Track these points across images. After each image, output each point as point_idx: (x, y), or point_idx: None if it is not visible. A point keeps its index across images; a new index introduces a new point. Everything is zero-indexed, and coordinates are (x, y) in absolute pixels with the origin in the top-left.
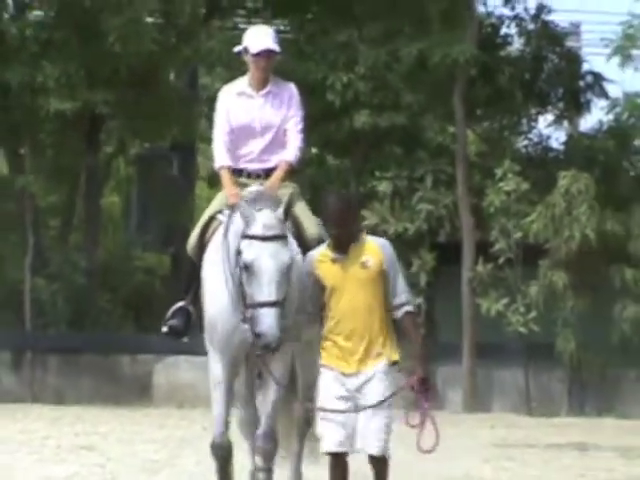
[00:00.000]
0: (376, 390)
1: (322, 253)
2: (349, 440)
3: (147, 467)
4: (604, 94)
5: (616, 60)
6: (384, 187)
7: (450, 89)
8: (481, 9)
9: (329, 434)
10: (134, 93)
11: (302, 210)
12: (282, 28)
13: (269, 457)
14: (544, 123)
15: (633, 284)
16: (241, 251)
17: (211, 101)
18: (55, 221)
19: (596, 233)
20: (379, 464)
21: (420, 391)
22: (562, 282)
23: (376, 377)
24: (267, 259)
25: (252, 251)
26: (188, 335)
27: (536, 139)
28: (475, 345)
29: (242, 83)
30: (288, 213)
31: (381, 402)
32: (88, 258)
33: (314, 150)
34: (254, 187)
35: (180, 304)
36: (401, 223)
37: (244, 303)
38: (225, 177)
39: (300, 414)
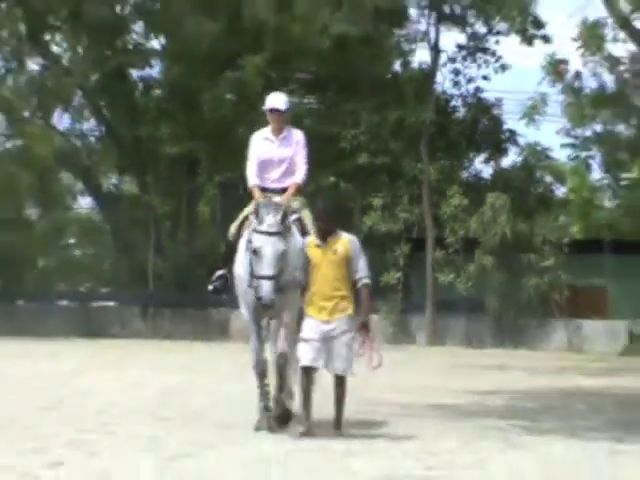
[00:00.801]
0: (340, 330)
1: (311, 240)
2: (317, 360)
3: (227, 379)
4: (516, 144)
5: (523, 122)
6: (377, 202)
7: (419, 140)
8: (439, 89)
9: (304, 354)
10: (218, 143)
11: (306, 215)
12: (311, 101)
13: (285, 361)
14: (478, 162)
15: (534, 264)
16: (252, 241)
17: None
18: (168, 223)
19: (511, 232)
20: (340, 380)
21: (363, 333)
22: (490, 263)
23: (341, 324)
24: (268, 247)
25: (259, 241)
26: (226, 293)
27: (473, 172)
28: (434, 303)
29: (266, 130)
30: (285, 217)
31: (342, 333)
32: (189, 247)
33: (332, 178)
34: (275, 199)
35: (221, 272)
36: (388, 225)
37: (251, 275)
38: (255, 192)
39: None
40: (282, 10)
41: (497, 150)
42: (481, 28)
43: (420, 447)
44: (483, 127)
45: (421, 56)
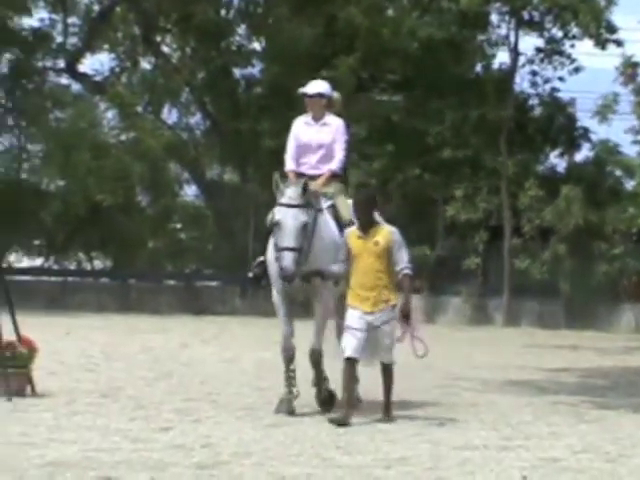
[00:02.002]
0: (382, 320)
1: (353, 231)
2: (360, 352)
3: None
4: (589, 140)
5: (596, 119)
6: (459, 192)
7: (498, 136)
8: (517, 89)
9: (347, 345)
10: None
11: (341, 201)
12: (399, 99)
13: (318, 356)
14: (553, 156)
15: (605, 252)
16: (274, 214)
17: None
18: (266, 210)
19: (584, 222)
20: (387, 369)
21: (404, 320)
22: (563, 250)
23: (383, 314)
24: (288, 219)
25: (280, 214)
26: (265, 279)
27: (549, 166)
28: (511, 287)
29: (308, 116)
30: (306, 190)
31: (385, 323)
32: None
33: (418, 171)
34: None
35: (261, 258)
36: (468, 214)
37: (275, 249)
38: (290, 176)
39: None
40: (374, 14)
41: (571, 145)
42: (557, 33)
43: (497, 419)
44: (558, 124)
45: (501, 58)
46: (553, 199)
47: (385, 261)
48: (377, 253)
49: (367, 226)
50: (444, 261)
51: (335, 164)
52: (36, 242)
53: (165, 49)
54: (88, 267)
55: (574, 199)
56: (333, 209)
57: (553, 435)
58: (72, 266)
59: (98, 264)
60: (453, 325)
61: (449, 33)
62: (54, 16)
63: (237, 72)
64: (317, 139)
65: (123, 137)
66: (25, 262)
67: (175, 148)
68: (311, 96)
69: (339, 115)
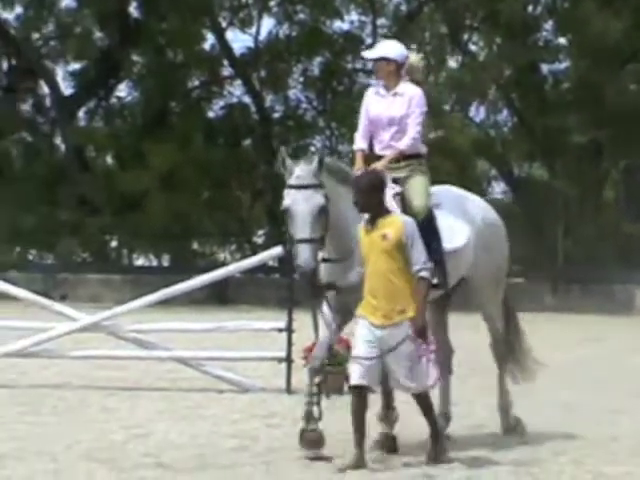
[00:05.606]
0: (399, 339)
1: (362, 225)
2: (368, 378)
3: (633, 351)
4: None
5: None
6: None
7: None
8: None
9: (353, 370)
10: (621, 131)
11: (413, 185)
12: None
13: None
14: None
15: None
16: (283, 199)
17: None
18: (575, 206)
19: None
20: (420, 399)
21: (418, 337)
22: None
23: (399, 330)
24: (300, 204)
25: (288, 198)
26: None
27: None
28: None
29: (379, 85)
30: (322, 166)
31: (401, 344)
32: (595, 228)
33: None
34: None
35: None
36: None
37: (291, 242)
38: (357, 157)
39: None
40: None
41: None
42: None
43: None
44: None
45: None
46: None
47: (399, 260)
48: (386, 249)
49: (374, 216)
50: None
51: (405, 142)
52: None
53: (472, 47)
54: None
55: None
56: (400, 197)
57: None
58: None
59: None
60: None
61: None
62: (364, 18)
63: (545, 68)
64: (388, 112)
65: (431, 135)
66: None
67: (483, 145)
68: (374, 60)
69: (419, 84)
